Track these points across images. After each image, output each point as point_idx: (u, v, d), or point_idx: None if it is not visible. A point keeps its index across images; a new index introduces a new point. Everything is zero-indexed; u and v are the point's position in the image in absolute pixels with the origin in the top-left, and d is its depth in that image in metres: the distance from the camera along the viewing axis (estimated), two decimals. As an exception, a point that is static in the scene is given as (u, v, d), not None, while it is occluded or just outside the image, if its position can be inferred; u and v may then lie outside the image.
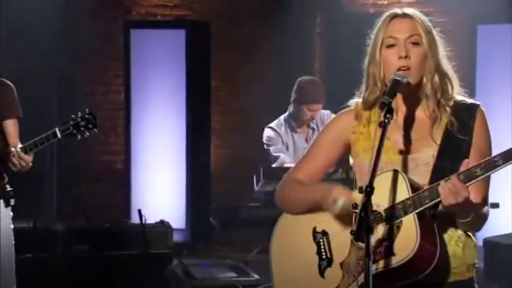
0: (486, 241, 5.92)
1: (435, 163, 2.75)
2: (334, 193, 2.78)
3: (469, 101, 2.85)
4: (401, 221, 2.67)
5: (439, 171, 2.72)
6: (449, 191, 2.61)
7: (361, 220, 2.53)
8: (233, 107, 8.51)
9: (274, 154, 5.70)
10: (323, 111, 5.69)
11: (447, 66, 2.81)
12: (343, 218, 2.78)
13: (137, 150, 8.50)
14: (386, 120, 2.62)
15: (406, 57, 2.74)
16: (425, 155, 2.78)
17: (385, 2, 8.00)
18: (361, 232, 2.53)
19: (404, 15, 2.80)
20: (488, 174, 2.64)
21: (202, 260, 6.63)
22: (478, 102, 2.84)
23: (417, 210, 2.65)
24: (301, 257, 2.89)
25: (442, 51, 2.81)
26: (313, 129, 5.79)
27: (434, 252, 2.64)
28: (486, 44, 6.76)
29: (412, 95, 2.80)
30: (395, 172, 2.73)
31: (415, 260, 2.61)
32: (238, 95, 8.43)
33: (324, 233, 2.86)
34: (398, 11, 2.84)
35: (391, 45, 2.77)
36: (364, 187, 2.55)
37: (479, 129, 2.80)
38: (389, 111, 2.63)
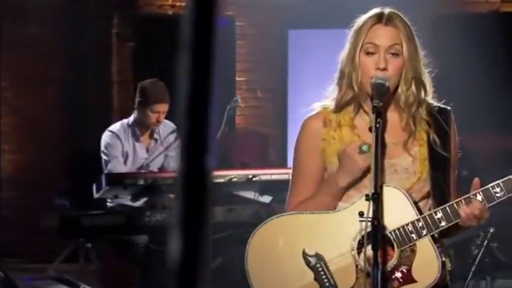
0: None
1: (431, 176, 2.68)
2: (348, 149, 2.65)
3: (441, 106, 2.81)
4: (415, 243, 2.57)
5: (435, 184, 2.67)
6: (472, 215, 2.58)
7: (376, 229, 2.44)
8: (21, 108, 8.04)
9: (108, 164, 5.35)
10: (166, 121, 5.48)
11: (425, 73, 2.75)
12: (337, 238, 2.66)
13: None
14: (378, 125, 2.54)
15: (383, 69, 2.66)
16: (404, 161, 2.71)
17: (183, 4, 7.95)
18: (378, 242, 2.44)
19: (388, 21, 2.70)
20: (509, 195, 2.61)
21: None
22: (449, 108, 2.82)
23: (433, 233, 2.59)
24: (295, 284, 2.67)
25: (421, 57, 2.75)
26: (156, 140, 5.53)
27: (444, 268, 2.63)
28: (298, 48, 6.92)
29: (385, 98, 2.71)
30: (394, 189, 2.64)
31: (436, 282, 2.59)
32: (28, 96, 7.97)
33: (319, 257, 2.67)
34: (382, 12, 2.72)
35: (371, 53, 2.68)
36: (370, 195, 2.46)
37: (454, 137, 2.79)
38: (379, 115, 2.56)
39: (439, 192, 2.64)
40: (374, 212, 2.44)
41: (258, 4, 7.16)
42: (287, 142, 6.93)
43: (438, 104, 2.79)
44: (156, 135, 5.53)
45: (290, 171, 5.01)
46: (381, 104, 2.58)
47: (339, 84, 2.76)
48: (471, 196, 2.60)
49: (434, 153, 2.70)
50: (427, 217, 2.60)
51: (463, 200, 2.60)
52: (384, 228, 2.57)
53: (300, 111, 2.93)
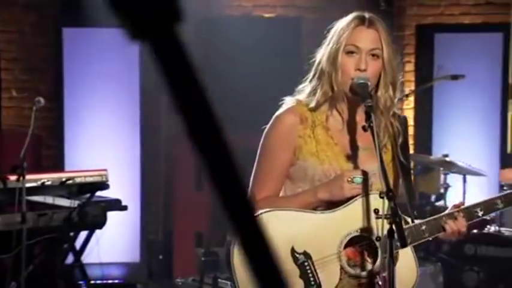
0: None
1: (395, 183, 2.72)
2: (346, 174, 2.65)
3: (399, 113, 2.86)
4: (397, 251, 2.57)
5: (407, 191, 2.73)
6: (457, 232, 2.68)
7: (398, 225, 2.45)
8: None
9: None
10: None
11: (400, 79, 2.80)
12: (326, 239, 2.65)
13: None
14: (372, 124, 2.53)
15: (364, 70, 2.69)
16: (372, 166, 2.68)
17: None
18: (405, 238, 2.46)
19: (370, 24, 2.73)
20: (487, 215, 2.76)
21: None
22: (405, 115, 2.90)
23: (416, 243, 2.63)
24: None
25: (396, 62, 2.77)
26: None
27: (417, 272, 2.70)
28: (71, 47, 6.90)
29: (354, 99, 2.75)
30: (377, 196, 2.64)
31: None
32: None
33: (307, 255, 2.65)
34: (364, 15, 2.74)
35: (351, 53, 2.71)
36: (385, 193, 2.47)
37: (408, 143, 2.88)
38: (371, 113, 2.56)
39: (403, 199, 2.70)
40: (393, 209, 2.47)
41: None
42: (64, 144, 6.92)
43: (397, 112, 2.85)
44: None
45: (103, 173, 5.12)
46: (372, 104, 2.60)
47: (319, 82, 2.77)
48: (455, 214, 2.73)
49: (396, 160, 2.77)
50: (413, 228, 2.67)
51: (444, 217, 2.73)
52: (369, 233, 2.64)
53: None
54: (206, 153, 0.78)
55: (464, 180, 6.02)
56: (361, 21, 2.74)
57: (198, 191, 6.63)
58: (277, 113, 2.81)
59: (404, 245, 2.49)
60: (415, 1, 8.00)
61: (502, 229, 5.73)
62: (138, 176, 7.01)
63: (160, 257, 7.11)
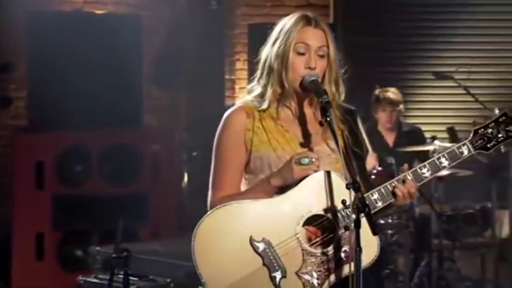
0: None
1: (359, 171, 2.75)
2: (294, 156, 2.73)
3: (347, 105, 2.96)
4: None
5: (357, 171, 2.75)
6: (408, 194, 2.75)
7: (368, 215, 2.51)
8: None
9: None
10: None
11: (341, 76, 2.91)
12: (283, 223, 2.70)
13: None
14: (329, 119, 2.66)
15: (313, 68, 2.82)
16: (325, 148, 2.86)
17: None
18: (376, 227, 2.51)
19: (316, 24, 2.86)
20: (434, 176, 2.80)
21: None
22: (353, 108, 2.96)
23: (370, 220, 2.60)
24: (246, 270, 2.66)
25: (339, 60, 2.91)
26: None
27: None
28: None
29: (303, 94, 2.88)
30: (327, 173, 2.73)
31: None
32: None
33: (267, 242, 2.70)
34: (308, 15, 2.85)
35: (301, 53, 2.83)
36: (351, 184, 2.53)
37: (361, 132, 3.03)
38: (329, 108, 2.68)
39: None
40: (360, 199, 2.54)
41: None
42: None
43: (345, 105, 2.97)
44: None
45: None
46: (329, 99, 2.72)
47: (268, 81, 2.89)
48: (403, 177, 2.80)
49: (349, 149, 2.84)
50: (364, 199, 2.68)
51: (395, 182, 2.79)
52: (325, 210, 2.71)
53: None
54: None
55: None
56: (307, 21, 2.86)
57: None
58: (225, 113, 2.92)
59: (375, 233, 2.57)
60: (242, 1, 8.24)
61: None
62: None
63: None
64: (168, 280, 4.36)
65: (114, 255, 4.16)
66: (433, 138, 6.25)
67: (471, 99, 6.53)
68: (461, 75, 6.53)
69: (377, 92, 6.59)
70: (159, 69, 7.83)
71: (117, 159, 6.72)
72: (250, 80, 3.00)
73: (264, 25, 8.32)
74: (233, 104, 2.96)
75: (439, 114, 8.21)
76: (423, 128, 7.19)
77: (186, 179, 7.79)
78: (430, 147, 6.14)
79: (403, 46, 8.32)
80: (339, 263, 2.72)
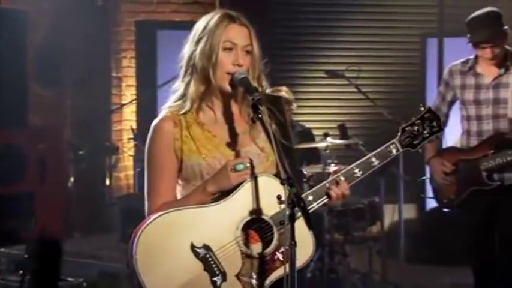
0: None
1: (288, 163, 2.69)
2: (229, 163, 2.76)
3: (272, 94, 3.00)
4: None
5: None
6: (341, 195, 2.80)
7: (304, 210, 2.53)
8: None
9: None
10: None
11: (262, 71, 2.93)
12: (222, 228, 2.71)
13: None
14: (261, 116, 2.67)
15: (242, 65, 2.85)
16: (254, 148, 2.89)
17: None
18: (311, 221, 2.55)
19: (241, 22, 2.89)
20: (365, 175, 2.82)
21: None
22: (279, 95, 2.98)
23: (305, 213, 2.61)
24: (188, 277, 2.67)
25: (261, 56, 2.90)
26: None
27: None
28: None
29: (228, 93, 2.90)
30: (266, 176, 2.75)
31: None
32: None
33: (207, 248, 2.74)
34: (231, 13, 2.85)
35: (228, 49, 2.85)
36: (286, 180, 2.53)
37: (286, 118, 3.00)
38: (260, 105, 2.69)
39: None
40: (296, 194, 2.55)
41: None
42: None
43: (271, 94, 3.02)
44: None
45: None
46: (261, 97, 2.73)
47: (190, 79, 2.91)
48: (336, 179, 2.86)
49: (278, 143, 2.80)
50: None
51: (327, 184, 2.85)
52: (262, 213, 2.76)
53: None
54: None
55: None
56: (232, 19, 2.89)
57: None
58: (153, 122, 2.92)
59: (311, 228, 2.64)
60: (129, -3, 8.17)
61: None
62: None
63: None
64: (81, 280, 4.28)
65: (26, 256, 4.04)
66: (326, 135, 6.36)
67: (362, 96, 6.66)
68: (352, 74, 6.65)
69: (269, 91, 6.61)
70: (41, 66, 7.64)
71: (1, 159, 6.52)
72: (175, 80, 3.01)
73: (150, 22, 8.34)
74: (157, 115, 2.95)
75: (330, 111, 8.39)
76: (315, 125, 7.30)
77: (72, 178, 7.66)
78: (322, 144, 6.23)
79: (290, 45, 8.45)
80: (277, 263, 2.78)
